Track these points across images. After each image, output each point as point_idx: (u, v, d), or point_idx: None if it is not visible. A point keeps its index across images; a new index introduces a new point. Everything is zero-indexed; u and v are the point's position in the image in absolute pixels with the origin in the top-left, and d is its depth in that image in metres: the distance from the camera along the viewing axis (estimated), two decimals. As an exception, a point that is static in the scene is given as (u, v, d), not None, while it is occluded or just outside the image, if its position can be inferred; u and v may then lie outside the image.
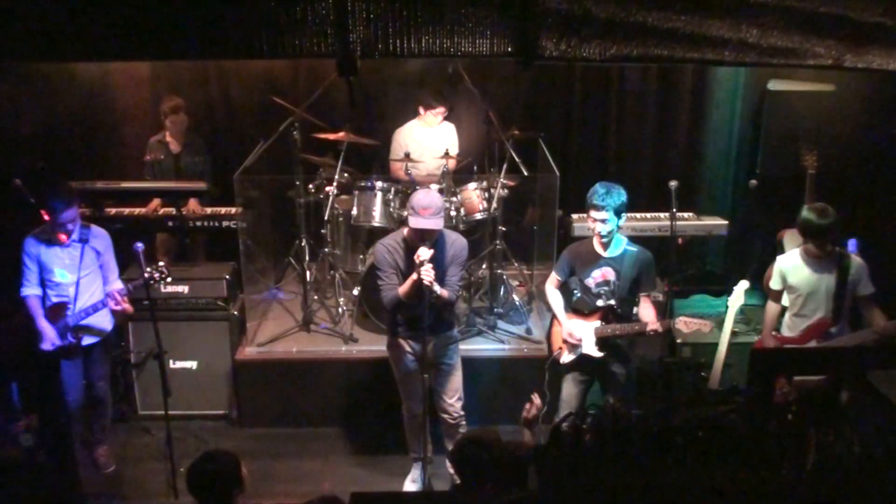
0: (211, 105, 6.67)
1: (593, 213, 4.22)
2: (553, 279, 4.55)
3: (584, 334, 4.39)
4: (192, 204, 5.88)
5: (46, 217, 4.44)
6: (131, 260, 4.86)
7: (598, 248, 4.34)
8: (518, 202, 6.18)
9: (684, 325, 4.26)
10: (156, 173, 6.09)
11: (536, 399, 3.79)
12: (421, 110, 6.04)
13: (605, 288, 4.36)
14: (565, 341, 4.45)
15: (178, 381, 5.24)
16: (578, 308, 4.47)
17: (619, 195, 4.19)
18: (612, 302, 4.36)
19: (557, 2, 2.26)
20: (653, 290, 4.43)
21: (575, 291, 4.54)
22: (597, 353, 4.39)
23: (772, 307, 4.54)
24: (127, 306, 4.64)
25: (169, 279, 4.56)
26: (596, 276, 4.35)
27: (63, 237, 4.48)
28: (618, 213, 4.21)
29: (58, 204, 4.39)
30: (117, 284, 4.70)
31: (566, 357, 4.48)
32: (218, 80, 6.61)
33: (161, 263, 4.52)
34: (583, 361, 4.45)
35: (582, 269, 4.39)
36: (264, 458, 5.04)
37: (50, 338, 4.51)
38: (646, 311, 4.40)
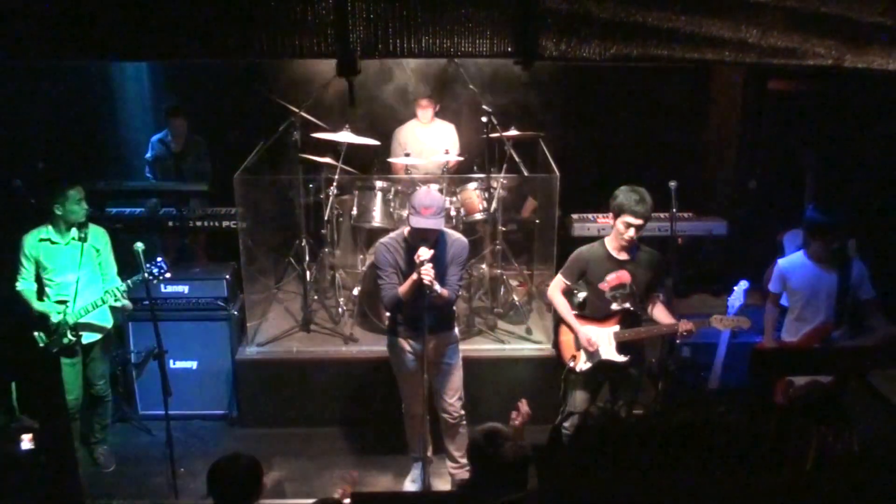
0: (211, 105, 6.67)
1: (630, 219, 4.13)
2: (560, 284, 4.43)
3: (601, 340, 4.33)
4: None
5: (54, 204, 4.45)
6: (131, 260, 4.86)
7: (614, 252, 4.29)
8: (518, 202, 6.18)
9: (720, 322, 4.25)
10: (157, 172, 6.09)
11: (524, 406, 3.74)
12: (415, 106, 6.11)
13: (620, 291, 4.30)
14: (584, 349, 4.35)
15: (178, 381, 5.24)
16: (589, 313, 4.41)
17: (650, 201, 4.16)
18: (628, 305, 4.31)
19: (557, 2, 2.26)
20: (662, 289, 4.41)
21: (578, 294, 4.52)
22: (620, 358, 4.32)
23: (771, 310, 4.52)
24: (126, 302, 4.65)
25: (168, 275, 4.56)
26: (611, 280, 4.29)
27: (76, 216, 4.48)
28: (648, 220, 4.20)
29: (64, 184, 4.43)
30: (115, 280, 4.70)
31: (582, 365, 4.39)
32: (218, 80, 6.61)
33: (160, 259, 4.52)
34: (599, 368, 4.39)
35: (595, 273, 4.32)
36: (264, 458, 5.02)
37: (51, 311, 4.50)
38: (660, 312, 4.38)
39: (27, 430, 3.57)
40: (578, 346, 4.39)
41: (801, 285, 4.30)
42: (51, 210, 4.49)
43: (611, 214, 4.25)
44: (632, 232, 4.17)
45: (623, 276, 4.29)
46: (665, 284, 4.47)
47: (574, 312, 4.44)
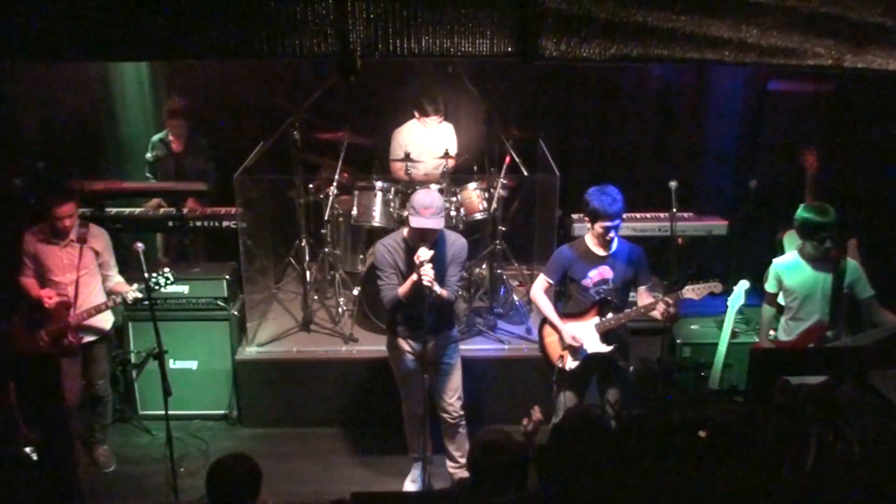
0: (211, 105, 6.67)
1: (607, 223, 4.16)
2: (543, 284, 4.45)
3: (584, 334, 4.37)
4: (191, 203, 5.88)
5: (44, 212, 4.45)
6: (131, 260, 4.86)
7: (595, 248, 4.32)
8: (518, 202, 6.18)
9: (693, 292, 4.20)
10: (157, 172, 6.10)
11: (536, 413, 3.71)
12: (416, 115, 6.05)
13: (604, 287, 4.33)
14: (568, 347, 4.38)
15: (178, 381, 5.23)
16: (571, 311, 4.44)
17: (621, 197, 4.17)
18: (607, 296, 4.33)
19: (557, 2, 2.26)
20: (649, 282, 4.42)
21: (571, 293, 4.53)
22: (605, 349, 4.35)
23: (767, 310, 4.51)
24: (137, 294, 4.62)
25: (173, 283, 4.58)
26: (594, 276, 4.32)
27: (60, 230, 4.48)
28: (622, 216, 4.21)
29: (54, 198, 4.42)
30: (122, 285, 4.70)
31: (571, 363, 4.41)
32: (218, 80, 6.61)
33: (167, 270, 4.53)
34: (587, 363, 4.41)
35: (579, 271, 4.35)
36: (264, 458, 4.98)
37: (49, 294, 4.51)
38: (644, 298, 4.38)
39: (28, 443, 3.58)
40: (564, 346, 4.40)
41: (795, 285, 4.30)
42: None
43: (587, 218, 4.27)
44: (612, 233, 4.21)
45: (605, 271, 4.32)
46: (651, 281, 4.47)
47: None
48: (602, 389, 4.54)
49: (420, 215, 4.05)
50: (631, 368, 4.68)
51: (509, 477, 3.10)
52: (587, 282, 4.33)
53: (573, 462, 2.65)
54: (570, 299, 4.49)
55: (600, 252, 4.31)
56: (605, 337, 4.34)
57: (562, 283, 4.47)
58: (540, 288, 4.46)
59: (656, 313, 4.23)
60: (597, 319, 4.35)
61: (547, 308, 4.46)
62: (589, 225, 4.28)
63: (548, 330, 4.52)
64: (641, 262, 4.37)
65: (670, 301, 4.17)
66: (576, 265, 4.36)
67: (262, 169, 5.73)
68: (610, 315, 4.31)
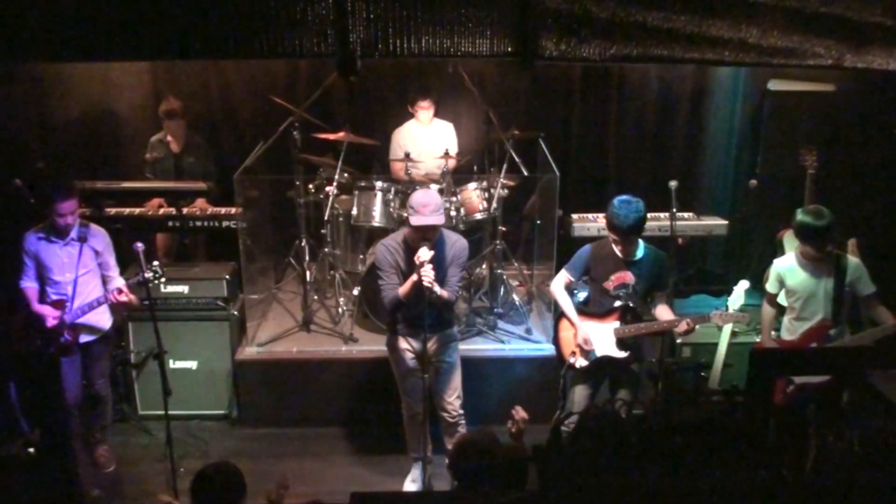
0: (211, 105, 6.66)
1: (616, 237, 4.19)
2: (564, 278, 4.45)
3: (602, 337, 4.35)
4: (200, 202, 5.86)
5: (45, 209, 4.45)
6: (131, 260, 4.86)
7: (618, 252, 4.30)
8: (518, 202, 6.18)
9: (720, 318, 4.23)
10: (156, 172, 6.09)
11: (519, 412, 3.71)
12: (410, 109, 6.06)
13: (623, 290, 4.32)
14: (580, 346, 4.38)
15: (178, 381, 5.23)
16: (591, 310, 4.44)
17: (637, 213, 4.14)
18: (629, 302, 4.33)
19: (557, 2, 2.26)
20: (667, 289, 4.41)
21: (578, 294, 4.52)
22: (620, 354, 4.34)
23: (768, 310, 4.52)
24: (131, 297, 4.62)
25: (164, 279, 4.58)
26: (615, 279, 4.31)
27: (62, 227, 4.48)
28: (638, 233, 4.19)
29: (56, 194, 4.42)
30: (119, 281, 4.70)
31: (582, 361, 4.41)
32: (218, 80, 6.61)
33: (156, 263, 4.53)
34: (600, 364, 4.40)
35: (601, 272, 4.35)
36: (264, 458, 5.04)
37: (49, 314, 4.51)
38: (663, 310, 4.39)
39: (28, 445, 3.58)
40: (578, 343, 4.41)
41: (797, 285, 4.30)
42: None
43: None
44: (618, 246, 4.22)
45: (626, 276, 4.31)
46: (668, 285, 4.47)
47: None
48: (613, 389, 4.55)
49: (419, 213, 4.05)
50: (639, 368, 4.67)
51: (491, 478, 3.10)
52: (608, 284, 4.33)
53: (573, 462, 2.65)
54: (587, 299, 4.49)
55: (625, 257, 4.30)
56: (622, 342, 4.34)
57: (581, 279, 4.48)
58: (560, 282, 4.46)
59: (677, 329, 4.25)
60: (617, 324, 4.34)
61: (565, 303, 4.45)
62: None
63: (564, 324, 4.51)
64: (663, 269, 4.37)
65: (691, 323, 4.20)
66: (599, 266, 4.36)
67: (262, 169, 5.73)
68: (632, 324, 4.31)
